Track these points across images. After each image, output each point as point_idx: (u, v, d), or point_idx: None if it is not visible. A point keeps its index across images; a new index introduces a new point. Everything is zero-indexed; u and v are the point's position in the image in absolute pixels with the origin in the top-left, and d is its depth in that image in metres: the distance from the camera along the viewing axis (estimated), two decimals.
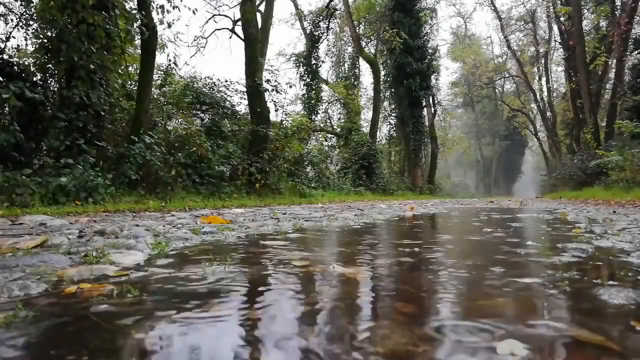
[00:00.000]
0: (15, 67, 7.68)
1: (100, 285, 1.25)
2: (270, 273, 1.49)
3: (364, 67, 31.62)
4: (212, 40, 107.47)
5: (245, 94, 13.66)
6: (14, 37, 8.61)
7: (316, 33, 29.27)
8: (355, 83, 29.85)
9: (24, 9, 8.76)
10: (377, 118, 27.14)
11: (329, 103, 31.04)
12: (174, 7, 9.80)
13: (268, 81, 13.82)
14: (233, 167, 11.12)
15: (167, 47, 15.52)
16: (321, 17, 29.00)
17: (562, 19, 25.76)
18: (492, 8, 35.94)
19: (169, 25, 10.06)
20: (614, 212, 5.70)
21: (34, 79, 7.96)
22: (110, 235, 2.53)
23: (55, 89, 8.20)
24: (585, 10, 24.17)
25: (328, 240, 2.76)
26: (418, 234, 3.12)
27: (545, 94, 37.10)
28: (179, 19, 31.30)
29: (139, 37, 9.60)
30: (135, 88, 10.31)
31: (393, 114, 31.74)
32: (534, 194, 42.96)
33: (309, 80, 28.27)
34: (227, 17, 25.64)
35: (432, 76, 30.22)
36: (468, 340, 0.81)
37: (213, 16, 23.46)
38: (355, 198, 16.28)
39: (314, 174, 18.24)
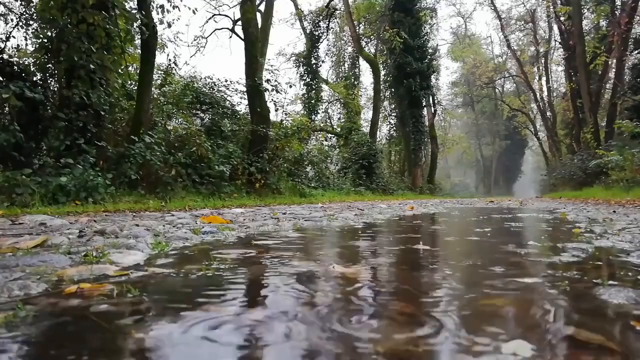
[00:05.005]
0: (15, 67, 7.68)
1: (100, 285, 1.25)
2: (270, 273, 1.49)
3: (364, 67, 31.65)
4: (212, 40, 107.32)
5: (245, 93, 13.65)
6: (14, 37, 8.62)
7: (316, 33, 29.27)
8: (355, 83, 29.84)
9: (24, 9, 8.76)
10: (377, 118, 27.14)
11: (329, 103, 31.05)
12: (174, 7, 9.80)
13: (268, 81, 13.83)
14: (233, 167, 11.12)
15: (167, 47, 15.52)
16: (321, 17, 28.99)
17: (562, 18, 25.75)
18: (492, 8, 35.94)
19: (169, 25, 10.06)
20: (614, 211, 5.70)
21: (34, 78, 7.96)
22: (110, 235, 2.53)
23: (55, 89, 8.20)
24: (585, 10, 24.16)
25: (328, 239, 2.76)
26: (418, 234, 3.12)
27: (545, 93, 37.15)
28: (179, 18, 31.22)
29: (139, 37, 9.60)
30: (135, 88, 10.31)
31: (393, 114, 31.74)
32: (534, 193, 42.98)
33: (309, 80, 28.27)
34: (227, 17, 25.58)
35: (432, 76, 30.23)
36: (467, 340, 0.81)
37: (213, 16, 23.45)
38: (355, 198, 16.28)
39: (314, 174, 18.24)
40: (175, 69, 14.29)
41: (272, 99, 14.16)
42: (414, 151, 28.24)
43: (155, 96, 11.69)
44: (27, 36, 8.90)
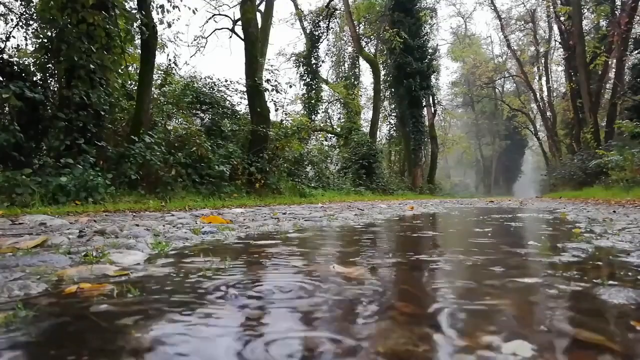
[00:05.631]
0: (15, 67, 7.67)
1: (100, 285, 1.25)
2: (270, 272, 1.49)
3: (364, 67, 31.66)
4: (212, 40, 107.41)
5: (245, 93, 13.66)
6: (14, 37, 8.62)
7: (316, 33, 29.27)
8: (355, 83, 29.84)
9: (24, 9, 8.75)
10: (377, 118, 27.15)
11: (329, 103, 31.04)
12: (174, 7, 9.81)
13: (268, 81, 13.84)
14: (233, 167, 11.12)
15: (167, 47, 15.54)
16: (321, 17, 28.99)
17: (562, 18, 25.75)
18: (492, 8, 35.92)
19: (169, 25, 10.07)
20: (614, 211, 5.70)
21: (34, 78, 7.95)
22: (110, 235, 2.53)
23: (55, 89, 8.20)
24: (585, 10, 24.17)
25: (328, 239, 2.76)
26: (418, 234, 3.13)
27: (545, 93, 37.13)
28: (179, 18, 31.26)
29: (139, 36, 9.60)
30: (135, 88, 10.31)
31: (393, 114, 31.74)
32: (534, 193, 42.99)
33: (309, 80, 28.27)
34: (227, 16, 25.61)
35: (432, 76, 30.21)
36: (467, 340, 0.81)
37: (213, 16, 23.45)
38: (355, 198, 16.28)
39: (314, 174, 18.24)
40: (175, 69, 14.30)
41: (272, 99, 14.18)
42: (414, 151, 28.24)
43: (155, 96, 11.69)
44: (27, 36, 8.90)
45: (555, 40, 33.58)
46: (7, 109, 7.11)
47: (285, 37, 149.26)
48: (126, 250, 1.91)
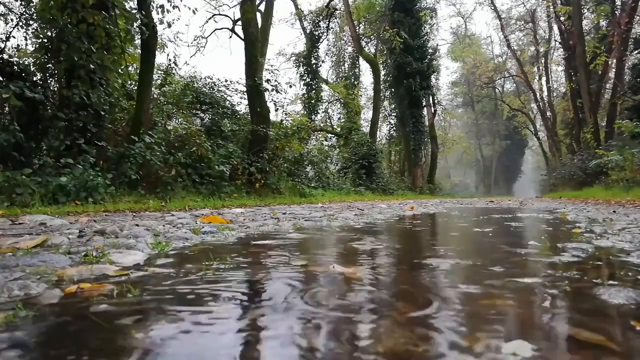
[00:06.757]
0: (15, 67, 7.67)
1: (100, 285, 1.25)
2: (270, 273, 1.49)
3: (364, 66, 31.69)
4: (212, 40, 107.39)
5: (245, 93, 13.66)
6: (14, 37, 8.60)
7: (316, 33, 29.29)
8: (355, 83, 29.85)
9: (24, 9, 8.75)
10: (377, 118, 27.17)
11: (329, 103, 31.05)
12: (174, 7, 9.81)
13: (268, 81, 13.84)
14: (233, 167, 11.12)
15: (167, 47, 15.54)
16: (321, 17, 29.01)
17: (562, 18, 25.75)
18: (492, 8, 35.91)
19: (169, 25, 10.07)
20: (614, 211, 5.70)
21: (34, 78, 7.95)
22: (110, 235, 2.52)
23: (55, 89, 8.20)
24: (585, 10, 24.17)
25: (328, 239, 2.76)
26: (418, 234, 3.13)
27: (545, 93, 37.14)
28: (179, 18, 31.27)
29: (139, 36, 9.60)
30: (135, 88, 10.31)
31: (393, 114, 31.77)
32: (534, 193, 43.01)
33: (309, 80, 28.28)
34: (227, 16, 25.66)
35: (432, 76, 30.24)
36: (467, 340, 0.81)
37: (213, 16, 23.46)
38: (355, 198, 16.29)
39: (314, 174, 18.25)
40: (175, 69, 14.30)
41: (272, 99, 14.19)
42: (414, 151, 28.25)
43: (155, 96, 11.69)
44: (27, 36, 8.89)
45: (555, 40, 33.61)
46: (7, 109, 7.10)
47: (285, 37, 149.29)
48: (126, 250, 1.91)
